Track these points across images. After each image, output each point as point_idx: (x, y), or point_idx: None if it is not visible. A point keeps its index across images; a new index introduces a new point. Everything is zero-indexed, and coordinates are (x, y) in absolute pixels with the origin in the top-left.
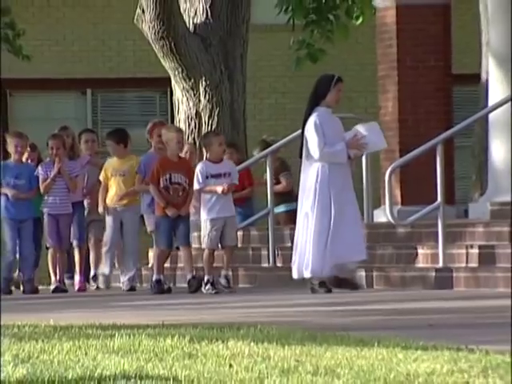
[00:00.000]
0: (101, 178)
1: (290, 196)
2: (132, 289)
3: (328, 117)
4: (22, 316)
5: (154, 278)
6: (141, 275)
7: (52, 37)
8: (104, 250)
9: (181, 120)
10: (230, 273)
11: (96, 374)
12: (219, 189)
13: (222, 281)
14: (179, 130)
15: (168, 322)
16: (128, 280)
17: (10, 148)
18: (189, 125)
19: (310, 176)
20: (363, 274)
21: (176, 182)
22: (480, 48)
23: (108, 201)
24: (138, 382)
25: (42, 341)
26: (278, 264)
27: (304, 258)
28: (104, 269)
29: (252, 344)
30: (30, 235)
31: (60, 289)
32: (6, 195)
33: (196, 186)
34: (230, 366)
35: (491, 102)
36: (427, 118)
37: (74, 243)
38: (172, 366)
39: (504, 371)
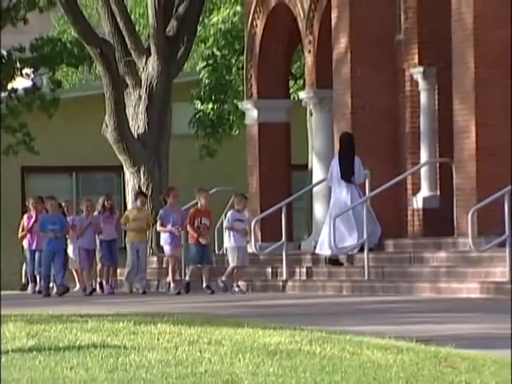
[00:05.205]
0: (122, 220)
1: None
2: (144, 292)
3: None
4: (33, 309)
5: (186, 282)
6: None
7: (52, 140)
8: (128, 267)
9: (129, 191)
10: (243, 282)
11: (76, 344)
12: (240, 230)
13: (243, 287)
14: (207, 192)
15: (121, 313)
16: (141, 286)
17: (47, 205)
18: (134, 194)
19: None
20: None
21: (204, 223)
22: (307, 149)
23: (131, 237)
24: (102, 349)
25: (44, 324)
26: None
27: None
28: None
29: (171, 326)
30: (60, 259)
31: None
32: (47, 237)
33: (226, 225)
34: (158, 339)
35: (314, 181)
36: (276, 190)
37: (112, 263)
38: (123, 339)
39: (322, 341)
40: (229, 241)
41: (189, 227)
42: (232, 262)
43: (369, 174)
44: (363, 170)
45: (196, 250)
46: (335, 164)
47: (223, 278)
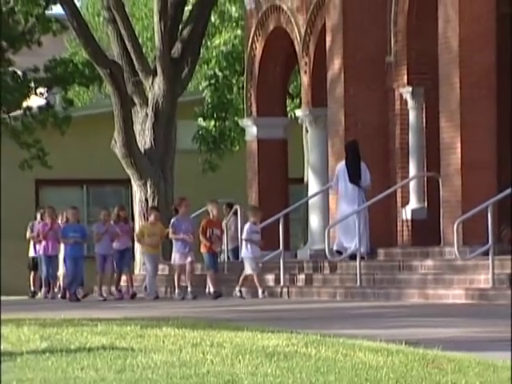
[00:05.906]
0: (138, 235)
1: None
2: (157, 297)
3: None
4: (46, 313)
5: (212, 290)
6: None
7: (64, 155)
8: (149, 276)
9: (136, 203)
10: (245, 289)
11: (87, 346)
12: (257, 241)
13: (244, 293)
14: (217, 203)
15: (129, 317)
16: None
17: (69, 215)
18: (141, 205)
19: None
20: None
21: (216, 234)
22: (303, 164)
23: (146, 250)
24: (111, 351)
25: (57, 327)
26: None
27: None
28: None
29: (176, 329)
30: (81, 265)
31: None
32: (69, 243)
33: (244, 236)
34: (163, 341)
35: (310, 193)
36: (274, 202)
37: (125, 269)
38: (130, 342)
39: (317, 344)
40: (246, 251)
41: (201, 237)
42: (252, 270)
43: (372, 179)
44: (369, 174)
45: (209, 257)
46: (342, 172)
47: (261, 290)
